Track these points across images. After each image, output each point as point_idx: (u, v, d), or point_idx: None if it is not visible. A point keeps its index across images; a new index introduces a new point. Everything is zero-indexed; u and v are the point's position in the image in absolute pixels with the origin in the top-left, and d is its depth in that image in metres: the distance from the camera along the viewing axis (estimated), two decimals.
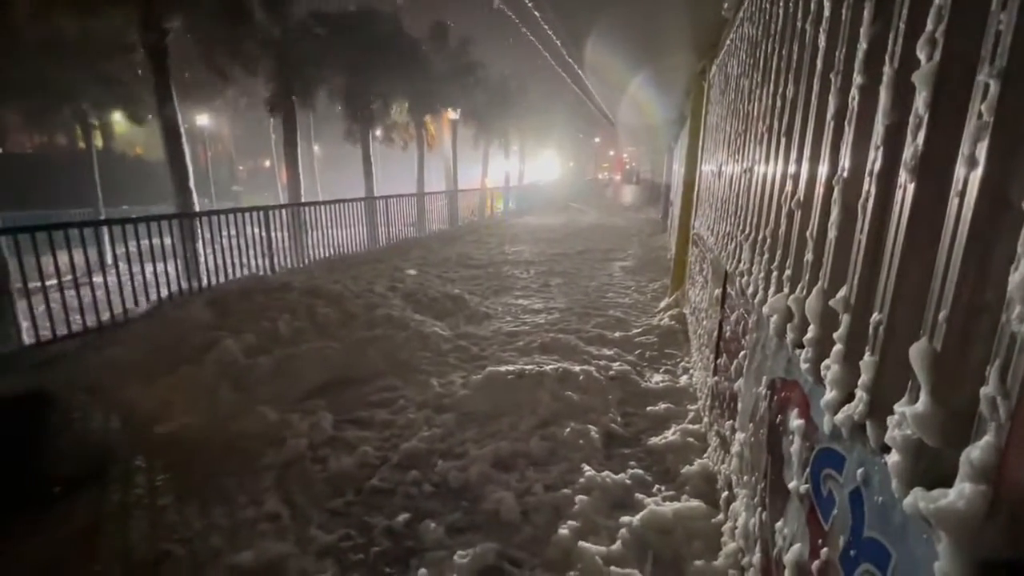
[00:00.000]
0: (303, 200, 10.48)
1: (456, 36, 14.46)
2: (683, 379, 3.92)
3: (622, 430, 3.21)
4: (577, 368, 3.88)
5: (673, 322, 5.22)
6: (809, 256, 1.36)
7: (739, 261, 2.39)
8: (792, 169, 1.62)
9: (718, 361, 2.87)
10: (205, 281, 6.36)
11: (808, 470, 1.19)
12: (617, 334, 5.02)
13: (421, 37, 12.45)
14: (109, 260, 8.16)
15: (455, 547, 2.20)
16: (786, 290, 1.56)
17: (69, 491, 2.77)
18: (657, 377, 4.00)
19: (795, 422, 1.30)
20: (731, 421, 2.27)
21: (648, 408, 3.46)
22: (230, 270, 6.68)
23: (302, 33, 9.44)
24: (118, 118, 16.66)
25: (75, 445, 3.23)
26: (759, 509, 1.62)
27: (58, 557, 2.29)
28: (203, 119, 17.00)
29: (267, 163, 29.70)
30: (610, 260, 9.82)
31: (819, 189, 1.35)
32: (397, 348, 4.52)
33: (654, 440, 3.04)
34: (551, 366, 3.91)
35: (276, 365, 4.16)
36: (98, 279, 5.25)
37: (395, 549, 2.24)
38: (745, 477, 1.87)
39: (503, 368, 3.87)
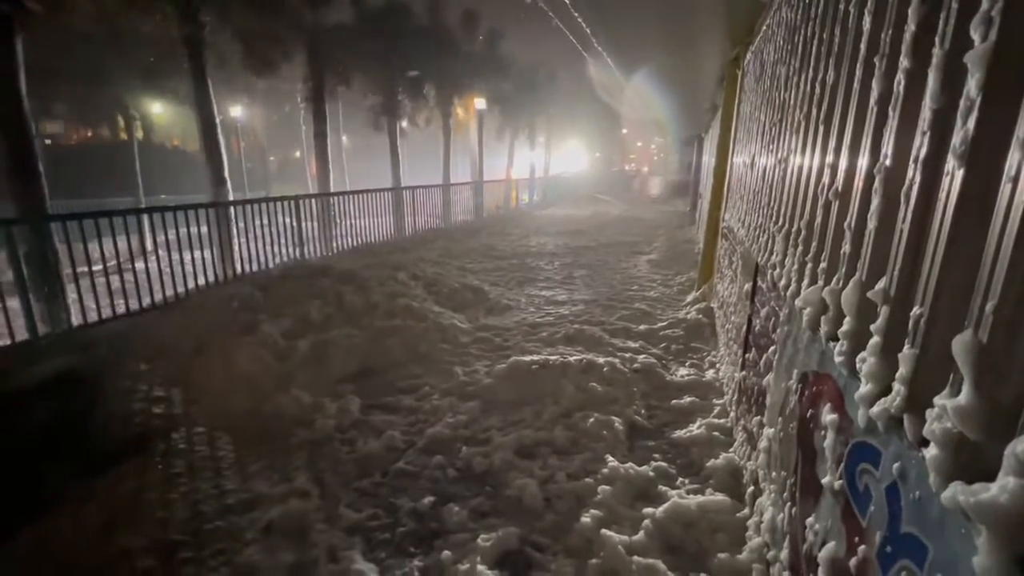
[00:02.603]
0: (332, 190, 10.68)
1: (485, 24, 14.40)
2: (709, 373, 3.87)
3: (646, 422, 3.19)
4: (601, 360, 3.87)
5: (700, 316, 5.14)
6: (847, 247, 1.33)
7: (771, 253, 2.34)
8: (830, 158, 1.58)
9: (746, 356, 2.82)
10: (239, 269, 6.57)
11: (843, 465, 1.17)
12: (642, 327, 4.97)
13: (450, 25, 12.44)
14: (149, 247, 8.51)
15: (478, 530, 2.24)
16: (821, 282, 1.53)
17: (116, 462, 2.92)
18: (682, 371, 3.96)
19: (828, 416, 1.27)
20: (759, 416, 2.23)
21: (673, 401, 3.43)
22: (262, 259, 6.87)
23: (333, 24, 9.56)
24: (157, 110, 17.25)
25: (120, 420, 3.40)
26: (788, 504, 1.60)
27: (109, 521, 2.43)
28: (236, 110, 17.44)
29: (297, 154, 30.23)
30: (636, 253, 9.71)
31: (859, 178, 1.31)
32: (416, 339, 4.56)
33: (679, 433, 3.02)
34: (575, 357, 3.91)
35: (308, 350, 4.27)
36: (139, 265, 5.50)
37: (420, 530, 2.29)
38: (773, 472, 1.84)
39: (527, 358, 3.88)
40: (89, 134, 19.30)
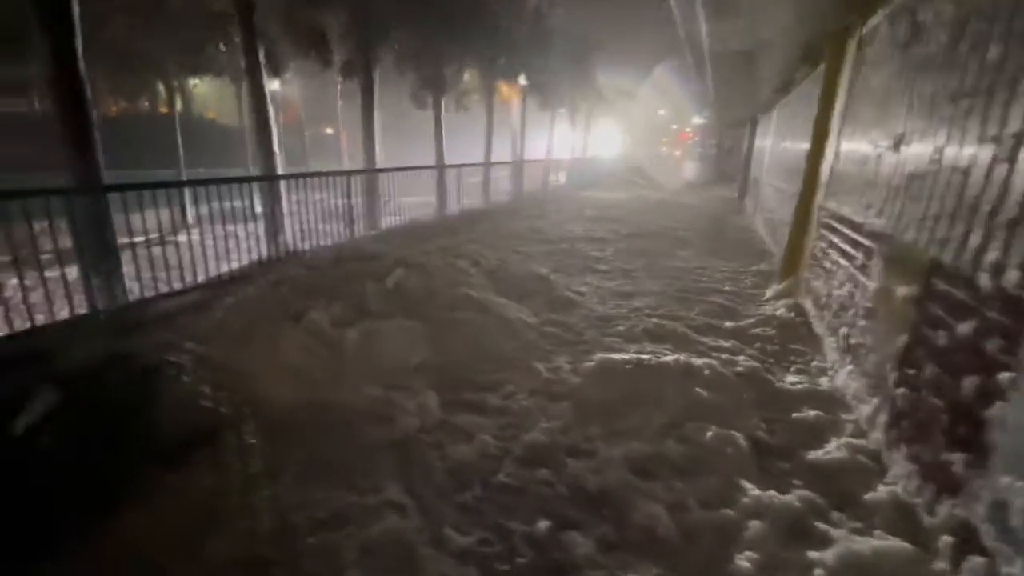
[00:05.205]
0: (376, 167, 10.38)
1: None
2: (823, 381, 3.45)
3: (769, 438, 2.81)
4: (698, 361, 3.49)
5: (790, 313, 4.68)
6: None
7: (981, 251, 1.90)
8: None
9: (907, 372, 2.40)
10: (290, 246, 6.36)
11: None
12: (728, 323, 4.55)
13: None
14: (194, 220, 8.39)
15: (612, 568, 1.92)
16: None
17: (185, 454, 2.69)
18: (790, 377, 3.55)
19: None
20: (964, 453, 1.83)
21: (793, 414, 3.03)
22: (313, 236, 6.65)
23: None
24: (197, 82, 17.17)
25: (187, 408, 3.17)
26: None
27: (189, 524, 2.19)
28: (275, 85, 17.18)
29: (328, 130, 30.12)
30: (690, 241, 9.16)
31: None
32: (480, 332, 4.21)
33: (814, 455, 2.63)
34: (669, 357, 3.54)
35: (365, 339, 4.00)
36: (192, 238, 5.29)
37: (542, 562, 1.98)
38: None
39: (616, 356, 3.53)
40: (132, 106, 19.40)
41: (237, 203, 5.76)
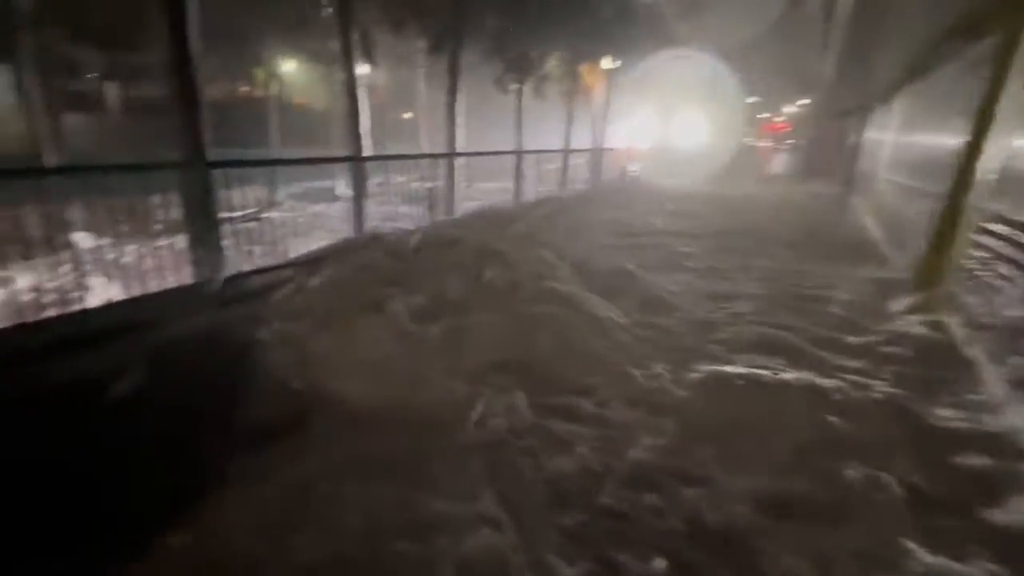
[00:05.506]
0: (457, 151, 10.35)
1: None
2: (988, 420, 2.86)
3: (928, 487, 2.33)
4: (825, 381, 3.03)
5: (931, 331, 4.00)
6: None
7: None
8: None
9: None
10: (373, 227, 6.41)
11: None
12: (851, 338, 3.96)
13: None
14: (286, 198, 8.71)
15: None
16: None
17: (272, 440, 2.65)
18: (943, 411, 2.97)
19: None
20: None
21: (955, 458, 2.51)
22: (394, 219, 6.69)
23: None
24: (288, 68, 18.04)
25: (274, 391, 3.15)
26: None
27: (278, 514, 2.14)
28: (364, 69, 17.64)
29: (407, 115, 30.72)
30: (788, 240, 8.30)
31: None
32: (567, 329, 3.93)
33: (992, 514, 2.14)
34: (788, 374, 3.10)
35: (448, 331, 3.87)
36: (277, 215, 5.43)
37: None
38: None
39: (727, 369, 3.14)
40: (230, 88, 20.77)
41: (324, 183, 5.88)
